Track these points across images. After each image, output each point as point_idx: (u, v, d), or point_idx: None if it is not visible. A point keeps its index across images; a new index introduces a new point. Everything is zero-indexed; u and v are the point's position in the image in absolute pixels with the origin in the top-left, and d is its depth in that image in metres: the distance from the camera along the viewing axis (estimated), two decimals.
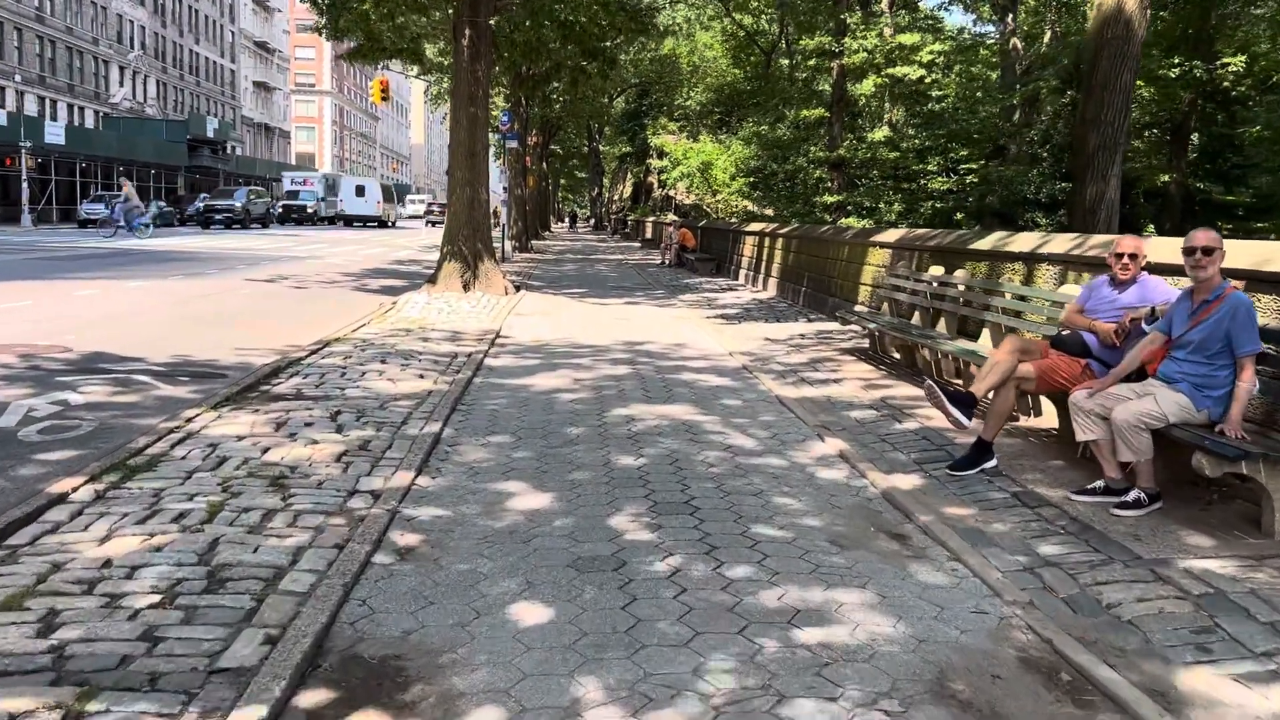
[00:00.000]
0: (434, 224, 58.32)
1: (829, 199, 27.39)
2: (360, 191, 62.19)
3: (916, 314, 9.50)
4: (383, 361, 9.29)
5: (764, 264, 19.05)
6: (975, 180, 31.90)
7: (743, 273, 21.09)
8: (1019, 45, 31.72)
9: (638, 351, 10.61)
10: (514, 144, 27.89)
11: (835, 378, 9.05)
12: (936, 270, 9.36)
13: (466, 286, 16.18)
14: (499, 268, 17.08)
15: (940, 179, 32.32)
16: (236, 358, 9.62)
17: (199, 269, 20.58)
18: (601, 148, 76.09)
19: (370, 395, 7.67)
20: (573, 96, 34.99)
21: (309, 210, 61.31)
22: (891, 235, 11.51)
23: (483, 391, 8.14)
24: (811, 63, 28.64)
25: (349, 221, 60.99)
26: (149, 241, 32.16)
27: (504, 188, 27.60)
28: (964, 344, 7.78)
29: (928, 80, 39.91)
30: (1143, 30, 14.63)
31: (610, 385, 8.54)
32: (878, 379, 8.98)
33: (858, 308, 12.11)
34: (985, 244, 8.78)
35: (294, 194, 63.89)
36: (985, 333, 7.88)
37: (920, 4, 43.82)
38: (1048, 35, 31.40)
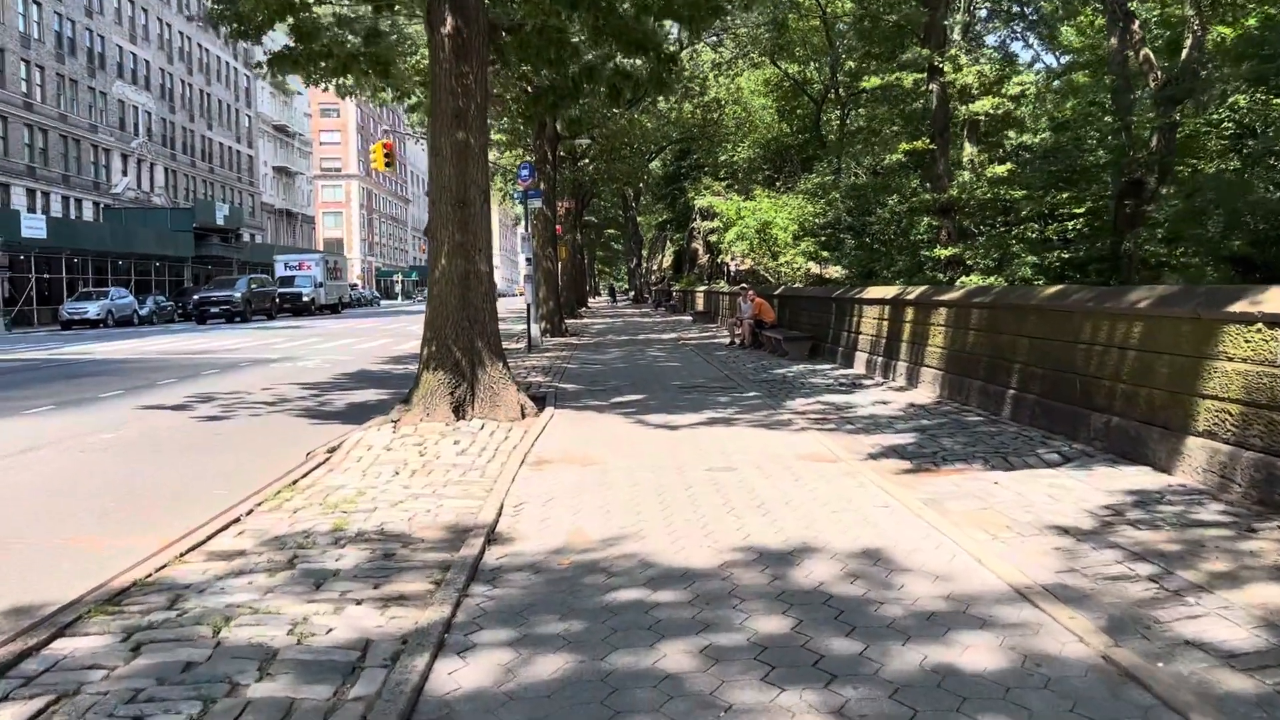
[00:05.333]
0: None
1: (942, 253, 21.37)
2: None
3: None
4: None
5: (904, 347, 12.92)
6: (1085, 226, 25.98)
7: (861, 357, 14.91)
8: (1150, 56, 25.66)
9: (800, 594, 4.50)
10: (538, 203, 22.19)
11: None
12: None
13: (459, 409, 10.20)
14: (510, 376, 11.08)
15: (1054, 225, 26.48)
16: None
17: (99, 388, 14.81)
18: (638, 217, 70.96)
19: None
20: (607, 125, 29.11)
21: (304, 299, 52.09)
22: None
23: None
24: (909, 82, 22.62)
25: None
26: (95, 346, 26.69)
27: (527, 259, 21.87)
28: None
29: (1015, 114, 35.32)
30: None
31: None
32: None
33: (1219, 447, 5.94)
34: None
35: (288, 280, 53.93)
36: None
37: (985, 38, 39.04)
38: (1189, 41, 25.30)
